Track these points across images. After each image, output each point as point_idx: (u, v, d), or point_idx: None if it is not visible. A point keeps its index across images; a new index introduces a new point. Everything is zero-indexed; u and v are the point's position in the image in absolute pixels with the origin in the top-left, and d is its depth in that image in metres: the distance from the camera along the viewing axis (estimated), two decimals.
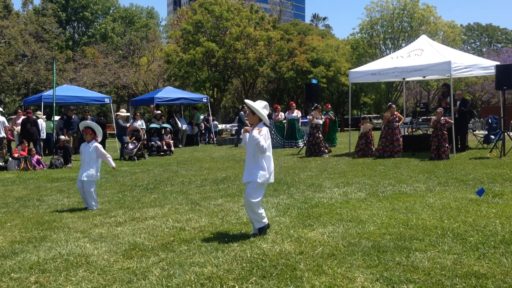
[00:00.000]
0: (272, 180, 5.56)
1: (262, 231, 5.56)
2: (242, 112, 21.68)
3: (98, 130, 8.03)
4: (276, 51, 40.74)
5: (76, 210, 7.69)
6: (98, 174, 7.99)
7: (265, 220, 5.63)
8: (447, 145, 12.46)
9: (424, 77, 17.04)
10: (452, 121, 13.05)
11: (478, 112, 36.57)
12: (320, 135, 15.01)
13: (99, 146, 7.92)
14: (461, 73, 14.71)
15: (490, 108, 33.73)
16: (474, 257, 4.50)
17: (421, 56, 14.65)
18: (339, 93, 48.02)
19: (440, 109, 12.86)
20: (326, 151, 14.98)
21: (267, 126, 5.59)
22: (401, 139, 13.72)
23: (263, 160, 5.45)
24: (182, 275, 4.34)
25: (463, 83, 43.51)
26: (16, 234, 6.16)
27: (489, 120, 15.72)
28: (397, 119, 13.84)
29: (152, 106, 22.15)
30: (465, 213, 6.24)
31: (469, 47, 69.30)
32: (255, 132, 5.41)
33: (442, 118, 12.64)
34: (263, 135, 5.34)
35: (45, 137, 18.07)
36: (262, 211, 5.59)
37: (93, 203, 7.74)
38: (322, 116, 15.19)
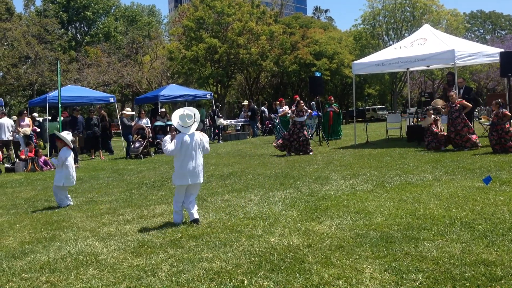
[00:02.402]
0: (183, 182, 6.12)
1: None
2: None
3: (66, 139, 8.25)
4: (279, 45, 40.67)
5: (84, 209, 7.74)
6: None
7: (176, 219, 6.24)
8: (509, 137, 10.88)
9: (428, 66, 16.94)
10: (510, 114, 11.60)
11: (483, 100, 36.36)
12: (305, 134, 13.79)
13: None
14: (465, 61, 14.62)
15: (495, 95, 33.45)
16: (482, 245, 4.49)
17: (424, 45, 14.57)
18: (343, 85, 47.92)
19: (496, 101, 11.39)
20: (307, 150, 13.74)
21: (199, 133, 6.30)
22: (466, 128, 12.05)
23: (176, 163, 6.20)
24: (191, 270, 4.36)
25: (467, 71, 43.27)
26: (25, 235, 6.21)
27: None
28: (458, 107, 12.19)
29: (98, 106, 20.46)
30: (472, 201, 6.22)
31: (472, 35, 68.82)
32: None
33: (501, 110, 11.05)
34: (166, 140, 6.13)
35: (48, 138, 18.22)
36: (177, 208, 6.25)
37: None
38: (306, 111, 13.78)
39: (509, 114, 11.12)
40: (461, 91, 14.39)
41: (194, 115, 6.19)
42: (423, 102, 17.24)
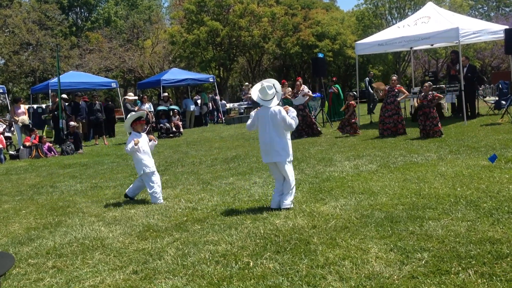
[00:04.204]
0: (263, 159, 5.93)
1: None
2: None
3: (130, 120, 7.02)
4: (281, 27, 40.30)
5: (89, 195, 7.76)
6: None
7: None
8: (435, 122, 10.84)
9: (432, 45, 16.78)
10: (441, 96, 11.93)
11: (488, 78, 36.09)
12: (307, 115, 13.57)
13: None
14: (470, 39, 14.45)
15: (500, 73, 33.20)
16: (488, 223, 4.48)
17: (428, 23, 14.40)
18: (346, 66, 47.60)
19: (428, 83, 11.37)
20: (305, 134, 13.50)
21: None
22: (396, 116, 11.88)
23: None
24: (197, 253, 4.37)
25: (471, 50, 42.84)
26: (31, 221, 6.24)
27: (500, 86, 15.49)
28: (395, 93, 11.98)
29: (52, 94, 18.05)
30: (478, 180, 6.20)
31: (476, 13, 67.93)
32: None
33: (430, 92, 11.00)
34: (252, 114, 5.96)
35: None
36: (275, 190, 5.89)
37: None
38: (304, 93, 13.42)
39: (441, 96, 11.05)
40: (465, 69, 14.26)
41: (274, 85, 5.78)
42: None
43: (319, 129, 13.90)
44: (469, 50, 41.05)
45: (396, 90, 12.02)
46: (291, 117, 5.65)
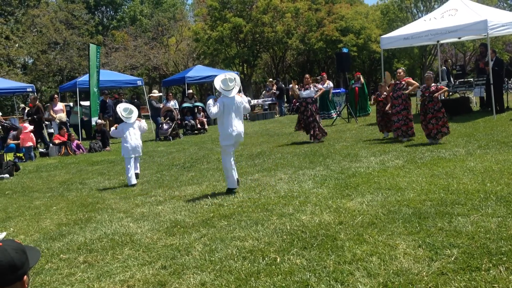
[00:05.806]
0: (227, 142, 6.74)
1: (230, 191, 6.76)
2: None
3: (127, 117, 8.64)
4: (304, 22, 40.09)
5: (118, 191, 7.89)
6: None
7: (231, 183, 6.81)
8: (441, 123, 9.37)
9: (459, 38, 16.46)
10: (446, 88, 10.62)
11: None
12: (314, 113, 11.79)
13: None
14: (499, 32, 14.12)
15: None
16: None
17: (455, 16, 14.13)
18: (371, 60, 47.05)
19: (427, 74, 10.07)
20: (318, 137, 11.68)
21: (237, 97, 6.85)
22: (405, 112, 10.42)
23: (220, 125, 6.83)
24: (224, 249, 4.41)
25: (500, 42, 41.88)
26: (62, 217, 6.39)
27: None
28: (402, 86, 10.38)
29: (32, 97, 17.30)
30: (508, 175, 6.07)
31: (505, 4, 66.33)
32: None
33: (433, 84, 9.69)
34: (210, 103, 6.71)
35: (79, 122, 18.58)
36: (229, 174, 6.81)
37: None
38: (315, 86, 12.14)
39: (445, 88, 10.01)
40: (491, 63, 13.96)
41: (235, 79, 6.84)
42: (454, 75, 16.82)
43: (321, 135, 11.69)
44: (497, 42, 40.13)
45: (403, 83, 10.45)
46: (245, 101, 7.01)
